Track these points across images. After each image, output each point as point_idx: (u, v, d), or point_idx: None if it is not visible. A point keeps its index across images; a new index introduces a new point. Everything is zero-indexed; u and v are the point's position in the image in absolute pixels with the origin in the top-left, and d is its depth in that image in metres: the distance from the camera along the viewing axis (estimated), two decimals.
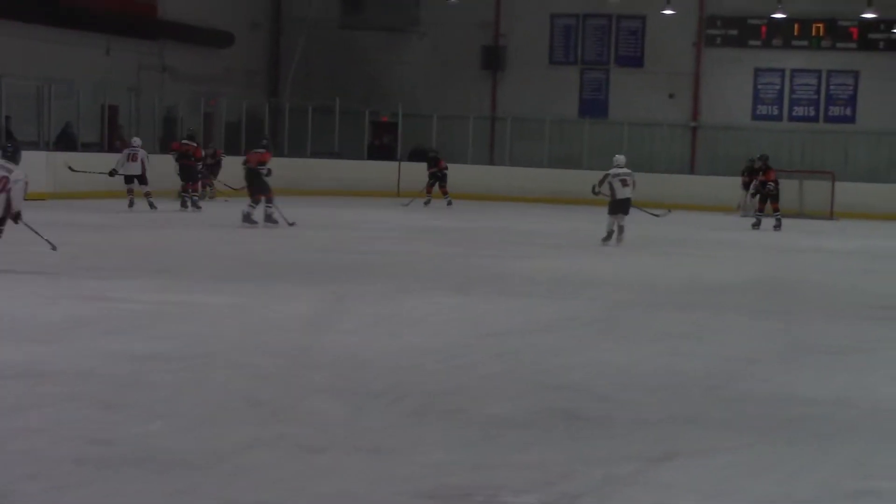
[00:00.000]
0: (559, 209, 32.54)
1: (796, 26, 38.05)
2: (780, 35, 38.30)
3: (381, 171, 37.49)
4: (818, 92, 38.65)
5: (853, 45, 37.90)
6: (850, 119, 38.30)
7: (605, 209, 21.03)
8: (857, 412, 7.75)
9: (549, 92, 39.90)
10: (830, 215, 33.09)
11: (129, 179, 25.40)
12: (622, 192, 20.77)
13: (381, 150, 39.71)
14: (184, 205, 25.68)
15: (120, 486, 5.73)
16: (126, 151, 25.65)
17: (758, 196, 27.77)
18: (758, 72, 38.93)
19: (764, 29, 38.40)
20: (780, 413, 7.59)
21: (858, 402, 8.08)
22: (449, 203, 31.22)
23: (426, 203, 31.56)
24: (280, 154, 37.62)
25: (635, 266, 17.92)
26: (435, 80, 40.30)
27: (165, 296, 12.29)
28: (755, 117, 39.04)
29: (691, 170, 38.67)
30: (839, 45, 38.02)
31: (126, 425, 6.82)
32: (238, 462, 6.16)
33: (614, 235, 20.74)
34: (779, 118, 38.93)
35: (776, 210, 27.31)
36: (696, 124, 39.26)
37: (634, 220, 21.83)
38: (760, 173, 27.72)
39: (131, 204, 25.03)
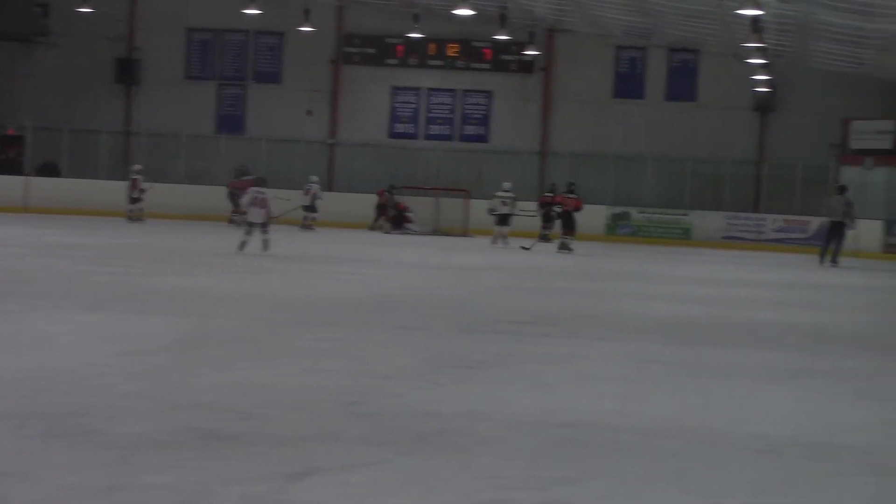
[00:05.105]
0: (196, 225, 32.18)
1: (432, 46, 38.94)
2: (416, 54, 39.10)
3: (6, 185, 36.26)
4: (453, 111, 39.64)
5: (487, 66, 39.04)
6: (484, 138, 39.42)
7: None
8: (492, 425, 7.88)
9: (185, 107, 39.58)
10: (465, 232, 33.94)
11: None
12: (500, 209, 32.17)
13: (7, 164, 38.45)
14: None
15: None
16: None
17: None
18: (395, 90, 39.63)
19: (401, 48, 39.14)
20: (417, 427, 7.64)
21: (492, 414, 8.22)
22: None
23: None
24: None
25: (273, 283, 17.89)
26: (66, 93, 39.32)
27: None
28: (392, 135, 39.71)
29: (329, 186, 38.95)
30: (474, 65, 39.12)
31: None
32: None
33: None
34: (415, 136, 39.72)
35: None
36: (334, 141, 39.63)
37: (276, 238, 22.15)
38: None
39: None
